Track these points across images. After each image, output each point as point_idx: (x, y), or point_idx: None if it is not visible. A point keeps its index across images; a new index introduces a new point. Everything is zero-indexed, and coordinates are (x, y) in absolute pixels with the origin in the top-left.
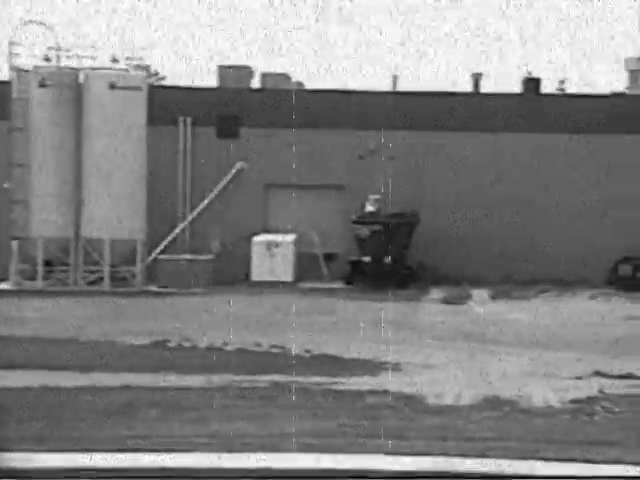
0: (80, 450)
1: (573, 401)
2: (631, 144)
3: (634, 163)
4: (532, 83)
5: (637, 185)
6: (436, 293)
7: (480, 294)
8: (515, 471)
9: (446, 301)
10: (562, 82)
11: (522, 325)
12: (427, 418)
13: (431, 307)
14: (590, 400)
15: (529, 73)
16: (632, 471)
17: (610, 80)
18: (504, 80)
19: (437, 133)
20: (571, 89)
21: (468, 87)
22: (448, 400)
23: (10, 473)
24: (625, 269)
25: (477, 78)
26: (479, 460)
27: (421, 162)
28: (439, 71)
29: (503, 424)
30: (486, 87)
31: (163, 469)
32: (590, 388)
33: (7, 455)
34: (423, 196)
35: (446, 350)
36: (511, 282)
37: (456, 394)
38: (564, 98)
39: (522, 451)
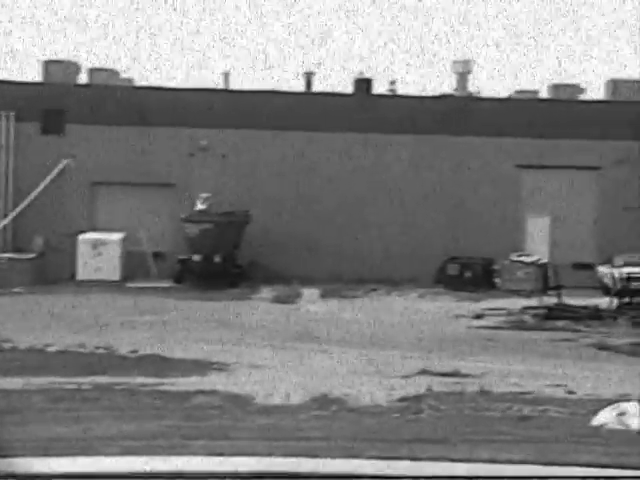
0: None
1: (401, 399)
2: (459, 144)
3: (461, 163)
4: (363, 83)
5: (464, 185)
6: (267, 292)
7: (311, 293)
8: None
9: (277, 300)
10: (393, 83)
11: (352, 323)
12: (255, 418)
13: (262, 306)
14: (417, 398)
15: (360, 73)
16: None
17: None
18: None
19: (269, 132)
20: (405, 90)
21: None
22: (277, 400)
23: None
24: (453, 268)
25: (309, 77)
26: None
27: (254, 160)
28: (273, 70)
29: (331, 423)
30: (319, 86)
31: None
32: (418, 386)
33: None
34: (255, 195)
35: (276, 349)
36: (341, 281)
37: (285, 394)
38: (395, 99)
39: (349, 450)
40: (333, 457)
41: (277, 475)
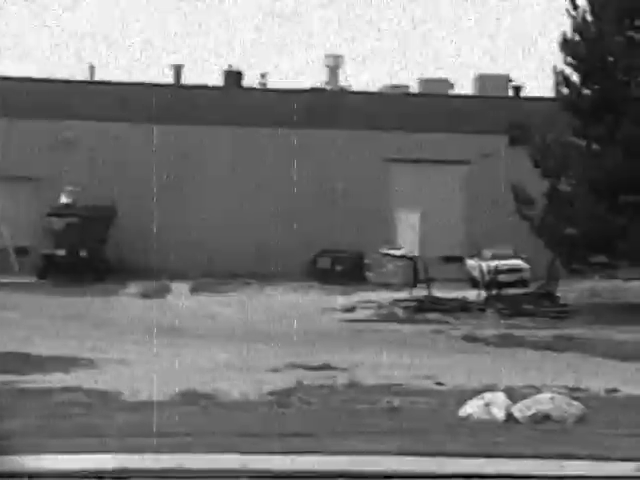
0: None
1: (270, 393)
2: (329, 137)
3: (331, 156)
4: (233, 76)
5: (335, 179)
6: (135, 287)
7: (180, 288)
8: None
9: (145, 295)
10: (263, 76)
11: (222, 318)
12: (122, 415)
13: (129, 301)
14: (287, 392)
15: (230, 66)
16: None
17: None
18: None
19: (138, 125)
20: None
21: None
22: (144, 396)
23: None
24: (324, 262)
25: (178, 70)
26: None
27: (123, 154)
28: (139, 61)
29: (199, 418)
30: (190, 79)
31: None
32: (287, 380)
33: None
34: (124, 188)
35: (143, 345)
36: (213, 276)
37: (153, 389)
38: (265, 92)
39: (218, 445)
40: (214, 452)
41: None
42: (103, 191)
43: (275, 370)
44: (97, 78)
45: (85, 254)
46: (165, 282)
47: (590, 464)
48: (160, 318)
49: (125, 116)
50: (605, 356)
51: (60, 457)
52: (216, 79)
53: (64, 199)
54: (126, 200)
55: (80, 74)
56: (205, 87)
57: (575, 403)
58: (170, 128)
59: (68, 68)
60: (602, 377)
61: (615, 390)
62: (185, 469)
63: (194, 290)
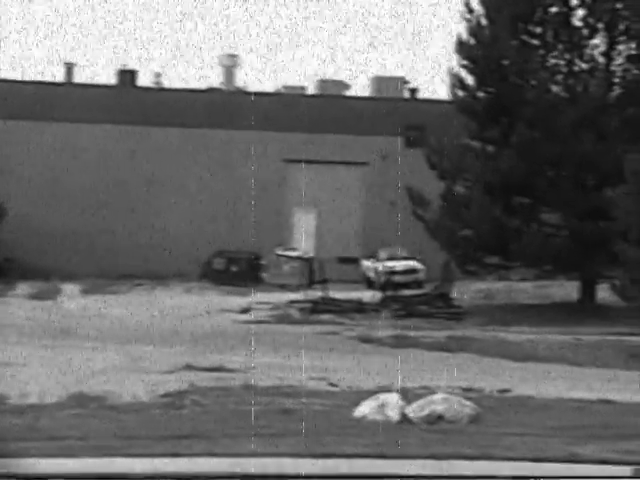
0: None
1: (163, 395)
2: (226, 138)
3: (227, 156)
4: (127, 75)
5: (231, 179)
6: (24, 288)
7: (71, 289)
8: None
9: (34, 296)
10: (159, 75)
11: (114, 319)
12: (8, 418)
13: (17, 303)
14: (180, 394)
15: (124, 65)
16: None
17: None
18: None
19: (30, 123)
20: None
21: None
22: (32, 399)
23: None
24: (219, 263)
25: (70, 67)
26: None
27: (13, 152)
28: (31, 59)
29: (89, 422)
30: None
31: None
32: (181, 382)
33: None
34: (14, 188)
35: (31, 347)
36: (105, 277)
37: (41, 392)
38: (160, 91)
39: (105, 448)
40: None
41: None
42: None
43: (168, 372)
44: None
45: None
46: (56, 283)
47: (481, 464)
48: (49, 320)
49: (15, 114)
50: (498, 356)
51: None
52: (111, 78)
53: None
54: (16, 200)
55: None
56: (98, 86)
57: (468, 403)
58: (61, 126)
59: None
60: (495, 377)
61: (507, 390)
62: (63, 474)
63: (85, 291)
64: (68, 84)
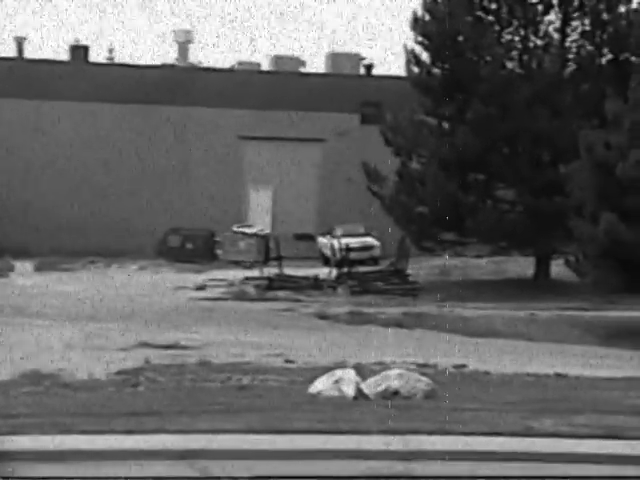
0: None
1: (118, 373)
2: (180, 114)
3: (182, 133)
4: (80, 51)
5: (186, 156)
6: None
7: (24, 266)
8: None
9: None
10: (111, 51)
11: (68, 297)
12: None
13: None
14: (135, 371)
15: (76, 40)
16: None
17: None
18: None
19: None
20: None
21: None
22: None
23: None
24: (174, 240)
25: (20, 42)
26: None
27: None
28: None
29: (42, 399)
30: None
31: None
32: (136, 359)
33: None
34: None
35: None
36: (59, 254)
37: None
38: (113, 67)
39: (60, 425)
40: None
41: None
42: None
43: (123, 349)
44: None
45: None
46: (8, 260)
47: (437, 439)
48: (2, 297)
49: None
50: (454, 332)
51: None
52: (63, 54)
53: None
54: None
55: None
56: (50, 61)
57: (424, 379)
58: (12, 102)
59: None
60: (451, 353)
61: (463, 365)
62: (19, 450)
63: (38, 268)
64: (20, 59)
